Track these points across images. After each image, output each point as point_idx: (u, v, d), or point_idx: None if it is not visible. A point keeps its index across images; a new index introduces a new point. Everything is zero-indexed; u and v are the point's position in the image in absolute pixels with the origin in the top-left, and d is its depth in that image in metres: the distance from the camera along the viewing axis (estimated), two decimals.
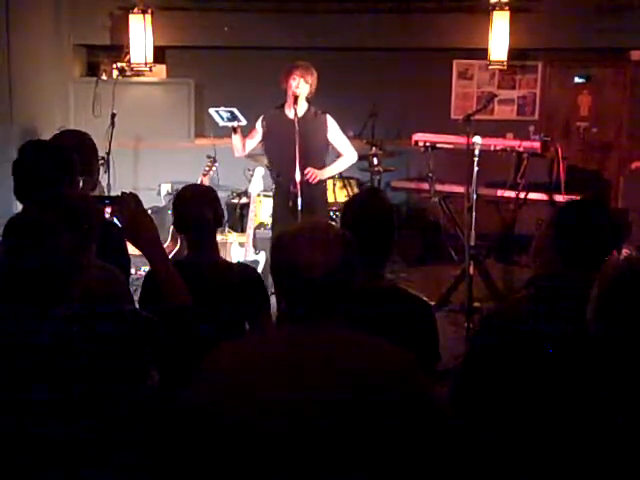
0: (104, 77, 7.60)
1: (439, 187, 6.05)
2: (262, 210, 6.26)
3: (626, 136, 7.88)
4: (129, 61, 7.29)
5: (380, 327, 1.94)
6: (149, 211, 2.79)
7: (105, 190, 5.63)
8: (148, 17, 7.13)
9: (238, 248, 5.77)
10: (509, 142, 5.89)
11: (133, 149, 7.46)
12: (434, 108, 7.66)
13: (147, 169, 7.47)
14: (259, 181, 5.71)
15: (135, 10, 7.11)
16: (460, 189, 5.59)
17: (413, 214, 7.42)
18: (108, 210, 2.61)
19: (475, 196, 5.12)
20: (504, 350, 2.09)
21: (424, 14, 7.32)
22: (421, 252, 7.00)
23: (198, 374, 1.80)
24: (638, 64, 7.68)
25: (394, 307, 2.40)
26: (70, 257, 1.95)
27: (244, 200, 6.55)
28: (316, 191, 5.08)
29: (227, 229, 6.27)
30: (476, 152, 5.07)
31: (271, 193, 5.54)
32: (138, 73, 7.40)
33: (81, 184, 2.91)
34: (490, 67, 7.51)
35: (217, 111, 5.17)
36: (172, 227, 5.12)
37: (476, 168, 5.08)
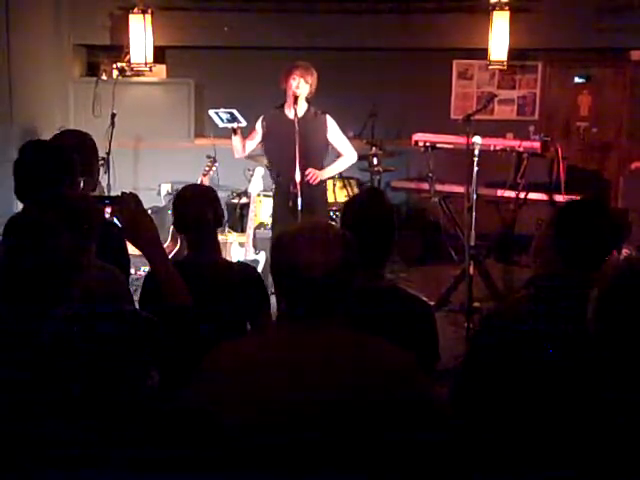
0: (104, 77, 7.60)
1: (439, 187, 6.05)
2: (262, 210, 6.26)
3: (626, 136, 7.88)
4: (129, 61, 7.29)
5: (380, 327, 1.94)
6: (149, 211, 2.79)
7: (105, 190, 5.63)
8: (148, 17, 7.13)
9: (238, 248, 5.77)
10: (509, 142, 5.89)
11: (133, 149, 7.46)
12: (434, 108, 7.66)
13: (147, 169, 7.47)
14: (259, 181, 5.71)
15: (135, 10, 7.11)
16: (460, 189, 5.59)
17: (413, 214, 7.41)
18: (108, 210, 2.61)
19: (475, 196, 5.12)
20: (504, 350, 2.09)
21: (424, 14, 7.32)
22: (421, 252, 7.00)
23: (198, 374, 1.80)
24: (638, 64, 7.68)
25: (394, 307, 2.40)
26: (70, 257, 1.95)
27: (244, 200, 6.55)
28: (316, 191, 5.08)
29: (227, 229, 6.27)
30: (476, 152, 5.07)
31: (271, 193, 5.54)
32: (138, 73, 7.40)
33: (82, 184, 2.91)
34: (490, 67, 7.51)
35: (217, 112, 5.17)
36: (172, 227, 5.11)
37: (476, 168, 5.08)
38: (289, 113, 4.97)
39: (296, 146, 4.81)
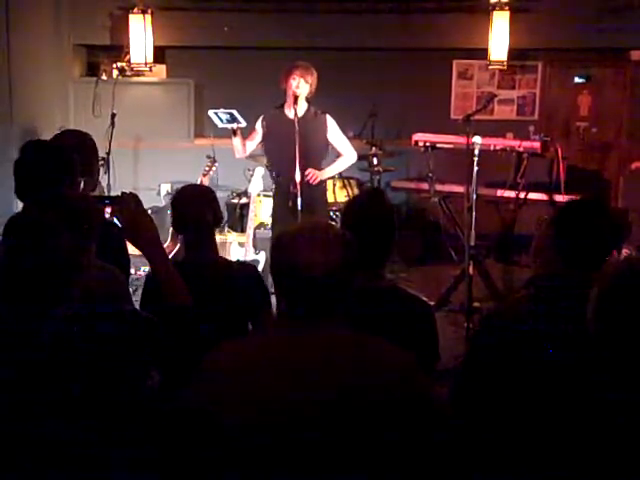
0: (104, 77, 7.59)
1: (439, 187, 6.05)
2: (262, 210, 6.26)
3: (626, 136, 7.88)
4: (129, 61, 7.29)
5: (380, 327, 1.94)
6: (149, 211, 2.79)
7: (105, 190, 5.63)
8: (148, 17, 7.12)
9: (238, 248, 5.77)
10: (509, 142, 5.89)
11: (133, 149, 7.46)
12: (434, 108, 7.66)
13: (147, 169, 7.47)
14: (259, 181, 5.71)
15: (135, 10, 7.11)
16: (460, 189, 5.59)
17: (413, 214, 7.41)
18: (108, 210, 2.61)
19: (475, 196, 5.12)
20: (504, 350, 2.09)
21: (424, 14, 7.32)
22: (421, 252, 7.00)
23: (198, 374, 1.80)
24: (638, 64, 7.68)
25: (394, 307, 2.40)
26: (70, 257, 1.96)
27: (244, 200, 6.54)
28: (316, 191, 5.08)
29: (227, 229, 6.27)
30: (476, 152, 5.08)
31: (271, 193, 5.54)
32: (138, 73, 7.40)
33: (82, 185, 2.91)
34: (490, 67, 7.51)
35: (216, 113, 5.17)
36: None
37: (476, 168, 5.08)
38: (289, 113, 4.97)
39: (296, 146, 4.81)
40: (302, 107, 4.98)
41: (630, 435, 1.56)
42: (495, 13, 7.13)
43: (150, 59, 7.22)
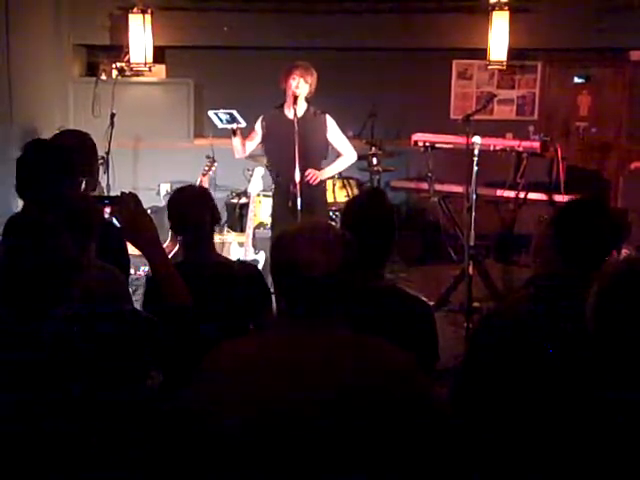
0: (104, 77, 7.59)
1: (439, 187, 6.05)
2: (262, 210, 6.26)
3: (625, 136, 7.89)
4: (129, 61, 7.28)
5: (380, 327, 1.94)
6: (149, 211, 2.79)
7: (105, 190, 5.63)
8: (148, 17, 7.12)
9: (237, 248, 5.77)
10: (509, 142, 5.88)
11: (132, 149, 7.46)
12: (433, 108, 7.66)
13: (147, 169, 7.47)
14: (258, 181, 5.71)
15: (135, 10, 7.11)
16: (460, 189, 5.59)
17: (413, 214, 7.42)
18: (108, 210, 2.61)
19: (475, 196, 5.12)
20: (504, 350, 2.09)
21: (424, 14, 7.32)
22: (421, 252, 7.00)
23: (198, 374, 1.80)
24: (637, 64, 7.68)
25: (394, 307, 2.40)
26: (70, 257, 1.95)
27: (243, 200, 6.54)
28: (316, 191, 5.08)
29: (226, 229, 6.27)
30: (476, 152, 5.07)
31: (271, 193, 5.54)
32: (138, 73, 7.39)
33: (83, 185, 2.91)
34: (489, 67, 7.51)
35: (216, 113, 5.17)
36: None
37: (476, 168, 5.08)
38: (289, 113, 4.97)
39: (296, 146, 4.81)
40: (302, 107, 4.98)
41: (630, 435, 1.56)
42: (495, 13, 7.14)
43: (150, 59, 7.22)
